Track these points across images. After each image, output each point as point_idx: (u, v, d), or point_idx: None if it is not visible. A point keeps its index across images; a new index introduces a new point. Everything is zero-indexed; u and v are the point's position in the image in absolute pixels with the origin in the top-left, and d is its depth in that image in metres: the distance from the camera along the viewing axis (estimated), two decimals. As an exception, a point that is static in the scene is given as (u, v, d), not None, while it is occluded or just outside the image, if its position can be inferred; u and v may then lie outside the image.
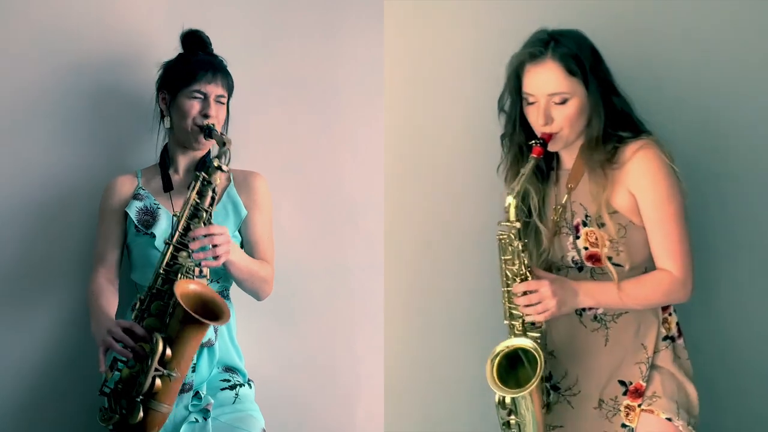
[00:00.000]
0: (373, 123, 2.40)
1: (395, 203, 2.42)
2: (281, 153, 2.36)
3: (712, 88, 2.29)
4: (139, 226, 2.09)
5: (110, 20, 2.26)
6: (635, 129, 1.96)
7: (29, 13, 2.22)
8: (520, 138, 2.02)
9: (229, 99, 2.14)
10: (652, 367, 1.98)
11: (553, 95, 1.91)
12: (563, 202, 2.01)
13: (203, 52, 2.13)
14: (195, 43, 2.13)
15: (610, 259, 1.95)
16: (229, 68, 2.14)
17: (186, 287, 1.87)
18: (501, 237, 1.92)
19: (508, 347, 1.91)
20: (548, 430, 2.06)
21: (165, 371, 1.82)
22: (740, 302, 2.33)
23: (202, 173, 1.94)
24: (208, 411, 2.02)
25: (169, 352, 1.81)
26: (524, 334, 1.93)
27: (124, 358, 1.85)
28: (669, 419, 1.92)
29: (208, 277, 1.97)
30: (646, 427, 1.94)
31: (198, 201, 1.94)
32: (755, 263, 2.32)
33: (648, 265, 1.97)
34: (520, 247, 1.91)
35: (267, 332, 2.26)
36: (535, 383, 1.86)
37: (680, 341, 2.04)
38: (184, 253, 1.91)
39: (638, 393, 1.97)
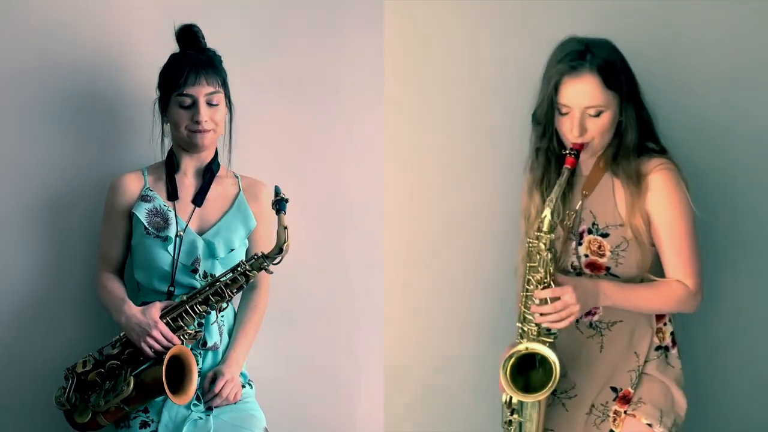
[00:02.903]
0: (373, 123, 2.40)
1: (395, 203, 2.42)
2: (281, 153, 2.36)
3: (712, 90, 2.30)
4: (150, 229, 2.05)
5: (110, 19, 2.25)
6: (657, 142, 2.01)
7: (29, 13, 2.21)
8: (551, 147, 2.03)
9: (226, 92, 2.09)
10: (642, 374, 2.01)
11: (588, 108, 1.93)
12: (576, 208, 2.03)
13: (194, 48, 2.07)
14: (186, 39, 2.08)
15: (608, 269, 1.99)
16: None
17: (177, 353, 1.95)
18: (531, 245, 1.93)
19: (528, 349, 1.91)
20: None
21: (122, 405, 1.93)
22: (736, 310, 2.35)
23: (247, 264, 1.97)
24: (210, 409, 2.03)
25: (134, 394, 1.93)
26: (538, 338, 1.93)
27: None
28: (650, 425, 1.96)
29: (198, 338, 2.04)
30: (627, 430, 1.98)
31: (229, 284, 1.98)
32: (755, 270, 2.34)
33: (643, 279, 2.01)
34: (549, 257, 1.91)
35: (267, 332, 2.25)
36: (548, 392, 1.88)
37: (674, 351, 2.06)
38: (189, 320, 1.98)
39: (626, 399, 2.00)
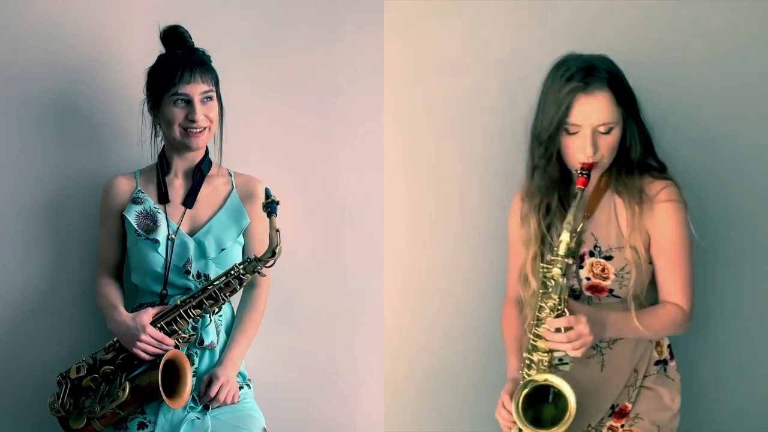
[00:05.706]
0: (373, 123, 2.40)
1: (395, 203, 2.42)
2: (281, 153, 2.36)
3: (711, 93, 2.29)
4: (140, 231, 2.06)
5: (109, 20, 2.25)
6: (656, 159, 1.99)
7: (22, 15, 2.21)
8: (555, 169, 1.99)
9: (218, 91, 2.09)
10: (641, 388, 1.99)
11: (600, 125, 1.89)
12: (577, 230, 1.96)
13: (182, 48, 2.07)
14: (173, 40, 2.07)
15: (611, 291, 1.97)
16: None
17: (172, 358, 1.97)
18: (545, 271, 1.87)
19: (546, 381, 1.85)
20: None
21: (117, 410, 1.94)
22: (734, 324, 2.34)
23: (241, 268, 1.97)
24: (207, 408, 2.03)
25: (129, 399, 1.94)
26: (550, 368, 1.87)
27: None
28: None
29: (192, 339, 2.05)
30: None
31: (222, 288, 1.98)
32: (752, 279, 2.33)
33: (643, 299, 1.98)
34: (564, 284, 1.85)
35: (267, 332, 2.25)
36: (561, 430, 1.83)
37: (672, 363, 2.05)
38: (183, 323, 1.99)
39: (622, 414, 1.98)
